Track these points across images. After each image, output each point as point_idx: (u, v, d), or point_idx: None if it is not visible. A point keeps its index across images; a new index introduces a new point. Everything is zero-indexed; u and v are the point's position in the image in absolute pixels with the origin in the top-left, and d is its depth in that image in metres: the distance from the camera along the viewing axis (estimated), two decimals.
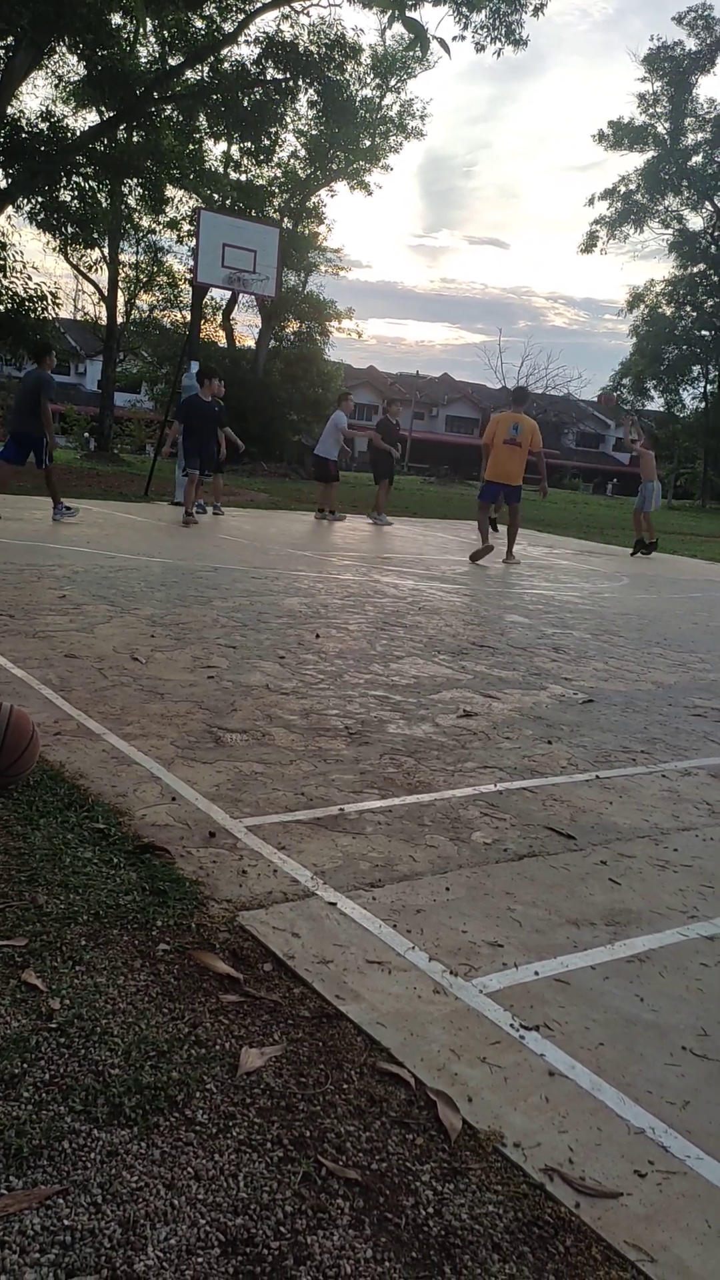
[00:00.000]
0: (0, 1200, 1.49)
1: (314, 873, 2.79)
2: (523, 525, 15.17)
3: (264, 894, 2.64)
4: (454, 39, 22.78)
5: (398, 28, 26.23)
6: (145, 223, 28.70)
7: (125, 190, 24.79)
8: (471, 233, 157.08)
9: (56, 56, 22.07)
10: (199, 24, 21.56)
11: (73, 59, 21.86)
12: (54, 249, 24.71)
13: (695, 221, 46.34)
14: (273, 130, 26.61)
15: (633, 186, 45.40)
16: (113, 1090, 1.78)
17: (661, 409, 50.25)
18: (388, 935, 2.47)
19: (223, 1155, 1.66)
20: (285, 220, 30.99)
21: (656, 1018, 2.23)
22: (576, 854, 3.16)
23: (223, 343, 34.10)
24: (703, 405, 47.72)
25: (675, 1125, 1.86)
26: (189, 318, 22.28)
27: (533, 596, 9.27)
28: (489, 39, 23.35)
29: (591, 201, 47.03)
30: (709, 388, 47.14)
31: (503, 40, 23.44)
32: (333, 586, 8.48)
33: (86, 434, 32.95)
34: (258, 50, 22.93)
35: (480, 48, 23.56)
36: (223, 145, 29.19)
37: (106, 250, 28.37)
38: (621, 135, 44.64)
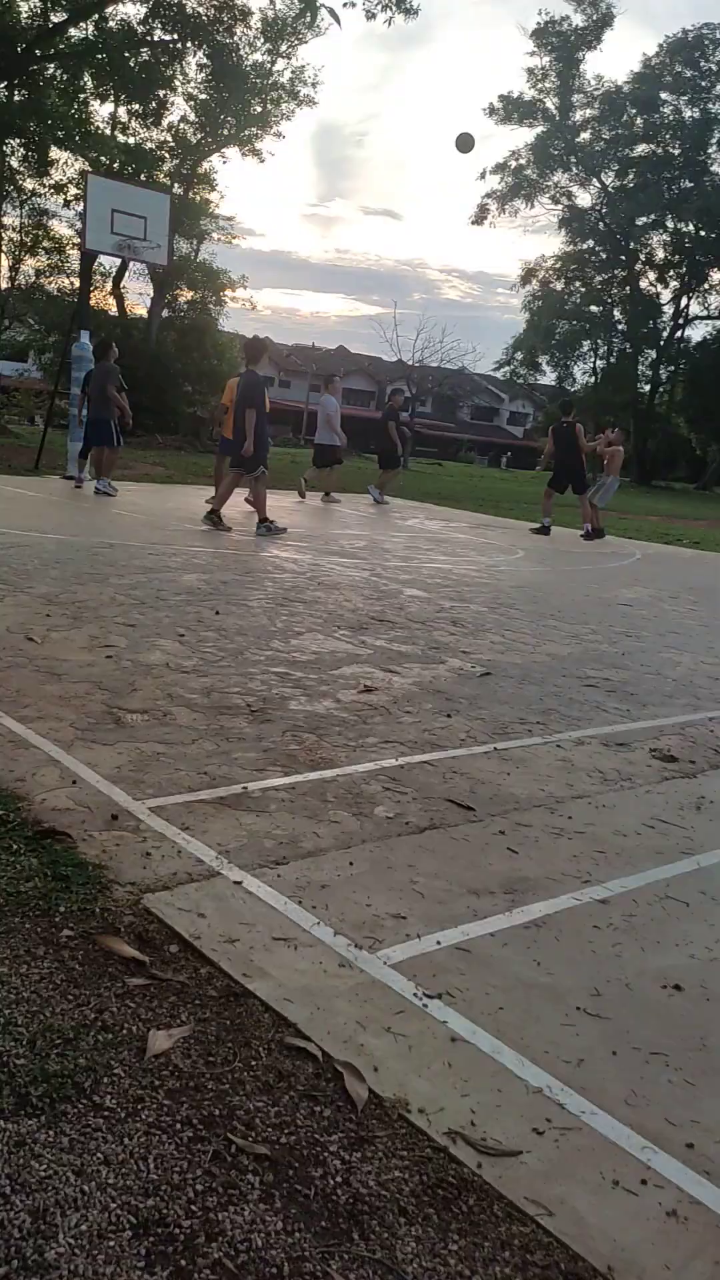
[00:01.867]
0: None
1: (218, 852, 2.80)
2: (416, 500, 15.30)
3: (168, 875, 2.63)
4: (344, 4, 22.48)
5: None
6: (29, 185, 27.76)
7: (7, 151, 23.93)
8: (365, 203, 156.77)
9: None
10: None
11: None
12: None
13: (584, 198, 47.07)
14: (161, 92, 25.98)
15: (523, 161, 45.82)
16: (18, 1080, 1.77)
17: (553, 383, 51.09)
18: (293, 912, 2.50)
19: (132, 1139, 1.66)
20: (176, 186, 30.18)
21: (553, 980, 2.32)
22: (476, 825, 3.23)
23: (113, 311, 33.16)
24: (592, 380, 48.66)
25: (571, 1083, 1.94)
26: (77, 284, 21.66)
27: (430, 570, 9.37)
28: (379, 6, 23.14)
29: (483, 175, 47.47)
30: (598, 363, 48.09)
31: (393, 8, 23.25)
32: (231, 562, 8.42)
33: None
34: (144, 9, 22.35)
35: (371, 15, 23.33)
36: (109, 106, 28.39)
37: None
38: (511, 109, 44.93)
